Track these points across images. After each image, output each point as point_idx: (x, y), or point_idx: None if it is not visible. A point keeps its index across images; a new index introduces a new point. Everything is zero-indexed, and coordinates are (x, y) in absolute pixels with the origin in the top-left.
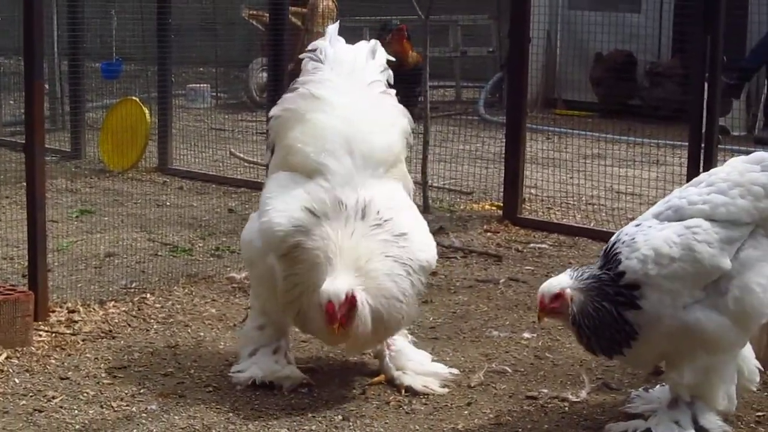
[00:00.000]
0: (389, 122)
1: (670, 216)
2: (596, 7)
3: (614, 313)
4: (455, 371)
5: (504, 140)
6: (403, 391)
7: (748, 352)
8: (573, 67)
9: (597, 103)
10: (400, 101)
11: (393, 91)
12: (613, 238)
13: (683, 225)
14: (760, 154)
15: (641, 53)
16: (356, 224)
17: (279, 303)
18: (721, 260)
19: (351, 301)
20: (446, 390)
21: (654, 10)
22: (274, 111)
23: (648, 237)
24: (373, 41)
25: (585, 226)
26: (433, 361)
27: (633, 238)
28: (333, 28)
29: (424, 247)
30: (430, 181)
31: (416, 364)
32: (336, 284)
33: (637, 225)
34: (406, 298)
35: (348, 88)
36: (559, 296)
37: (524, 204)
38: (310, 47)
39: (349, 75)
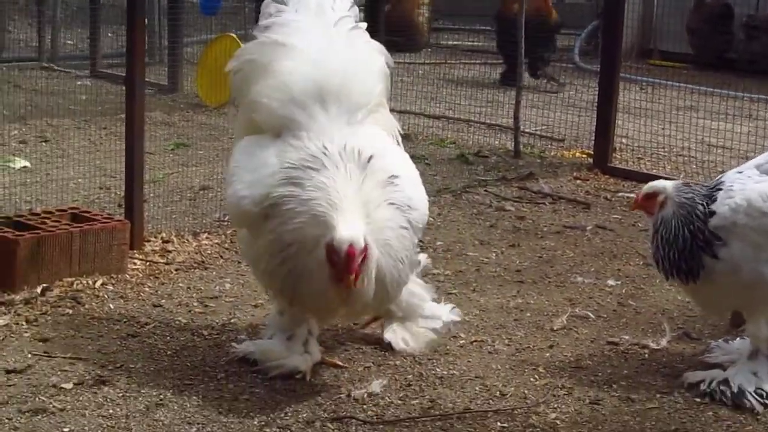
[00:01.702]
0: (364, 62)
1: None
2: None
3: (689, 243)
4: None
5: (597, 89)
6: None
7: None
8: (670, 18)
9: (692, 55)
10: (539, 59)
11: (363, 26)
12: (720, 176)
13: None
14: None
15: (739, 5)
16: (349, 166)
17: (260, 276)
18: None
19: (366, 250)
20: (432, 345)
21: None
22: (232, 64)
23: (745, 187)
24: None
25: (675, 178)
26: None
27: (731, 185)
28: None
29: (417, 198)
30: (522, 127)
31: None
32: (355, 229)
33: (740, 172)
34: (407, 259)
35: (315, 28)
36: (652, 196)
37: (615, 153)
38: None
39: (315, 14)
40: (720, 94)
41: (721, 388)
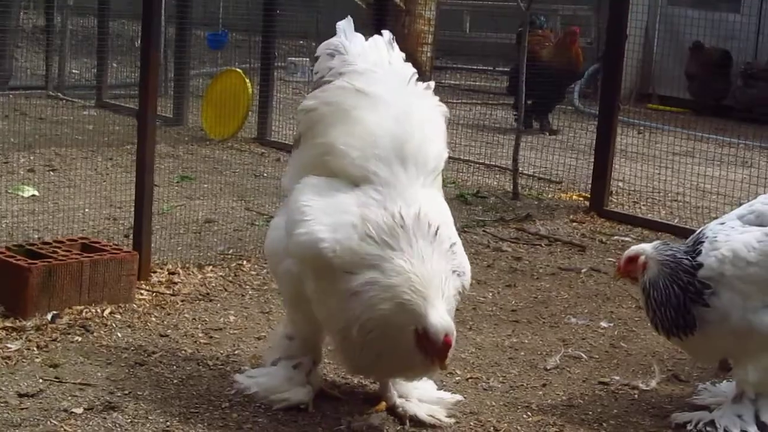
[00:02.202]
0: (438, 125)
1: (752, 220)
2: (696, 5)
3: (681, 299)
4: (459, 397)
5: (595, 132)
6: (407, 422)
7: None
8: (669, 63)
9: (690, 101)
10: (547, 108)
11: (432, 85)
12: (701, 229)
13: (764, 231)
14: None
15: (737, 53)
16: (420, 243)
17: (346, 352)
18: None
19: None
20: (453, 420)
21: (753, 11)
22: (309, 103)
23: (729, 238)
24: (387, 34)
25: (669, 222)
26: (438, 389)
27: (715, 236)
28: (345, 23)
29: (466, 262)
30: (520, 168)
31: (421, 392)
32: (445, 317)
33: (722, 223)
34: None
35: (395, 84)
36: (633, 260)
37: (611, 196)
38: (323, 45)
39: (387, 70)
40: (716, 140)
41: (708, 429)
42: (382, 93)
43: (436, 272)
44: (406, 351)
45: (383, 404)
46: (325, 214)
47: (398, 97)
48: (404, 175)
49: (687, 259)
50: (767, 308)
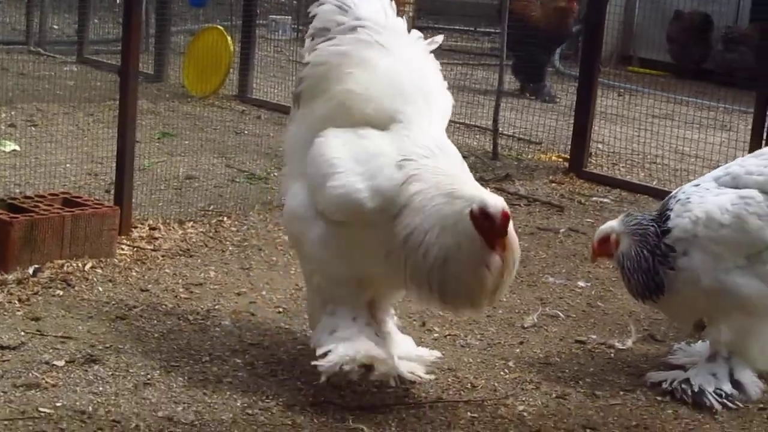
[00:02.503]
0: (441, 78)
1: (727, 182)
2: None
3: (651, 262)
4: (437, 354)
5: (576, 94)
6: (391, 380)
7: None
8: (650, 26)
9: (671, 64)
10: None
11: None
12: (672, 193)
13: (738, 194)
14: None
15: (718, 17)
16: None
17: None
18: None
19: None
20: (432, 376)
21: None
22: (320, 56)
23: (703, 200)
24: None
25: (647, 185)
26: (417, 346)
27: (688, 198)
28: None
29: None
30: (500, 129)
31: (401, 349)
32: (490, 194)
33: (696, 185)
34: None
35: (406, 41)
36: (605, 239)
37: (590, 158)
38: None
39: (398, 30)
40: (696, 104)
41: (683, 386)
42: (399, 47)
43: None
44: (471, 242)
45: None
46: (357, 164)
47: (412, 51)
48: (427, 117)
49: (653, 224)
50: (738, 269)
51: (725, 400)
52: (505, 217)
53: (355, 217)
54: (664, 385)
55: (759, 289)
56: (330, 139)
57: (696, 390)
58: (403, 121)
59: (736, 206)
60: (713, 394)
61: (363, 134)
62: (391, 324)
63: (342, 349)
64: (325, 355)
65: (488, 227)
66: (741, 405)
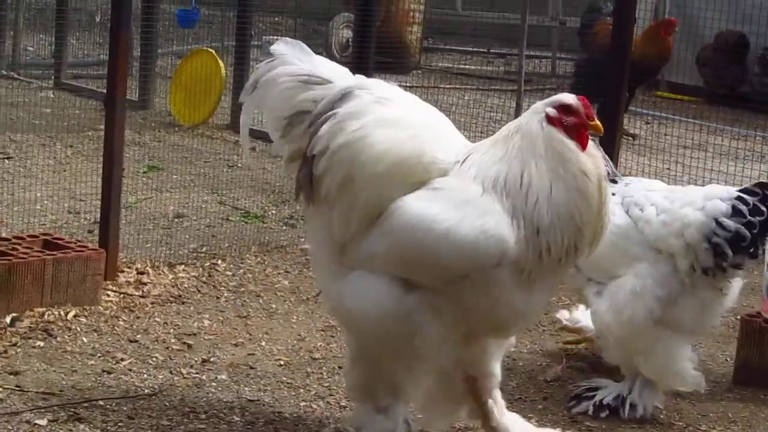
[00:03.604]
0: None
1: (615, 199)
2: None
3: None
4: None
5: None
6: None
7: None
8: (680, 47)
9: (702, 88)
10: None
11: None
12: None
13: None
14: (714, 190)
15: (755, 37)
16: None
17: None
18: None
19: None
20: None
21: None
22: (341, 139)
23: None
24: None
25: None
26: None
27: None
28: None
29: None
30: None
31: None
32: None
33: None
34: None
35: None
36: None
37: None
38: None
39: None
40: (731, 132)
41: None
42: (396, 95)
43: None
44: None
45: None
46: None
47: (403, 95)
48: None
49: None
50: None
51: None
52: (583, 102)
53: (497, 260)
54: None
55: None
56: (412, 206)
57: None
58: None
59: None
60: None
61: (437, 186)
62: (501, 403)
63: None
64: None
65: (571, 122)
66: (623, 417)
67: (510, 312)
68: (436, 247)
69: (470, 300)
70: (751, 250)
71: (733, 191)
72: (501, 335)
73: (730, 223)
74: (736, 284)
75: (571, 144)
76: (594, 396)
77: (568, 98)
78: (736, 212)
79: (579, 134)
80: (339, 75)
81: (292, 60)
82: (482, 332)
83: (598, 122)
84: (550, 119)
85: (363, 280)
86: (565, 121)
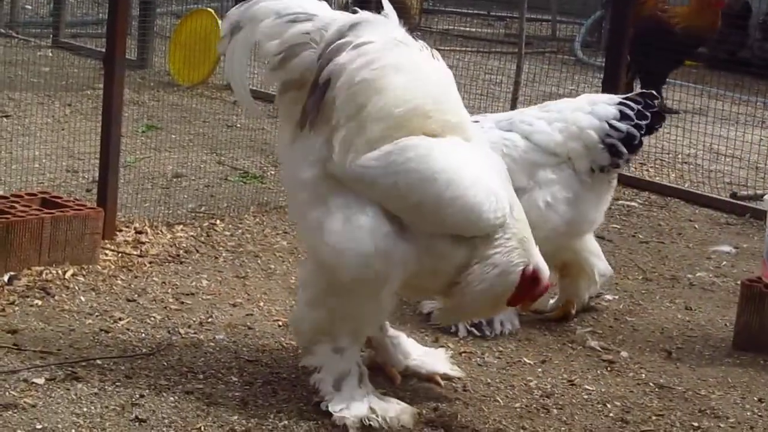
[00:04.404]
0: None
1: (504, 126)
2: None
3: None
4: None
5: (600, 86)
6: (437, 378)
7: None
8: None
9: (703, 53)
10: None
11: None
12: None
13: (503, 135)
14: (593, 97)
15: (758, 3)
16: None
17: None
18: (517, 176)
19: None
20: (462, 373)
21: None
22: (364, 73)
23: None
24: None
25: (678, 187)
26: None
27: None
28: None
29: None
30: None
31: (416, 352)
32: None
33: (476, 121)
34: None
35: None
36: None
37: None
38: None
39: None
40: (731, 98)
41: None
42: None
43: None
44: (506, 292)
45: (395, 373)
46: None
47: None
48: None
49: None
50: None
51: (473, 329)
52: (546, 288)
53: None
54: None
55: None
56: (434, 154)
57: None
58: (464, 130)
59: (495, 145)
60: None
61: (453, 144)
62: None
63: (356, 410)
64: (343, 408)
65: (529, 289)
66: (488, 335)
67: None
68: (449, 200)
69: (436, 257)
70: (640, 148)
71: (615, 98)
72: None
73: (622, 125)
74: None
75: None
76: None
77: (545, 273)
78: (624, 116)
79: (520, 297)
80: (322, 8)
81: None
82: (423, 289)
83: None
84: (524, 274)
85: (350, 212)
86: (527, 285)
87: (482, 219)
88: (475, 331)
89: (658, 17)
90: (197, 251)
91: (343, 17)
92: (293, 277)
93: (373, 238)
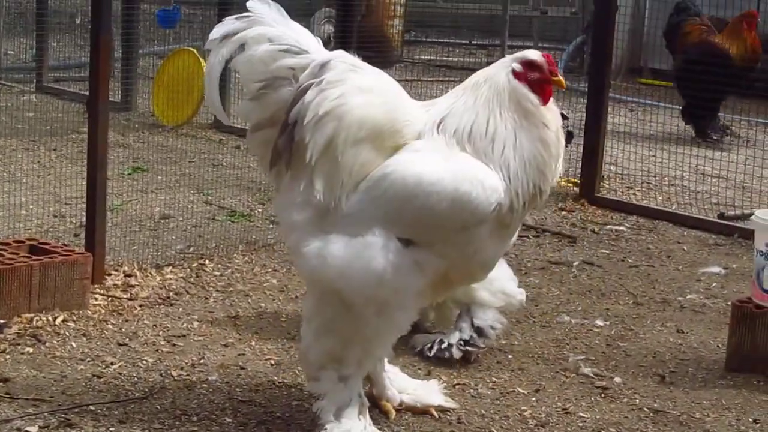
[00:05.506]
0: None
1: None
2: None
3: None
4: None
5: (584, 111)
6: (434, 411)
7: None
8: (661, 33)
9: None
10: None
11: None
12: None
13: None
14: None
15: None
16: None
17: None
18: None
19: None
20: (455, 404)
21: None
22: (326, 106)
23: None
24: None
25: (666, 209)
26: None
27: None
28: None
29: None
30: None
31: (409, 386)
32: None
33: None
34: None
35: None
36: None
37: (602, 182)
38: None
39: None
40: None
41: (438, 348)
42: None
43: None
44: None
45: (390, 408)
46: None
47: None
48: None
49: None
50: None
51: (467, 347)
52: (548, 57)
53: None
54: (425, 352)
55: None
56: (406, 168)
57: (444, 347)
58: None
59: None
60: (456, 345)
61: (420, 148)
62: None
63: None
64: None
65: (539, 75)
66: (482, 346)
67: (483, 261)
68: (438, 205)
69: (455, 252)
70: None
71: None
72: (469, 284)
73: None
74: None
75: (534, 98)
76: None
77: (533, 54)
78: None
79: (542, 89)
80: (314, 44)
81: (269, 22)
82: (456, 281)
83: (561, 78)
84: (516, 74)
85: (353, 238)
86: (529, 76)
87: (479, 207)
88: (469, 349)
89: (712, 43)
90: (187, 292)
91: (320, 56)
92: (284, 315)
93: (384, 257)
